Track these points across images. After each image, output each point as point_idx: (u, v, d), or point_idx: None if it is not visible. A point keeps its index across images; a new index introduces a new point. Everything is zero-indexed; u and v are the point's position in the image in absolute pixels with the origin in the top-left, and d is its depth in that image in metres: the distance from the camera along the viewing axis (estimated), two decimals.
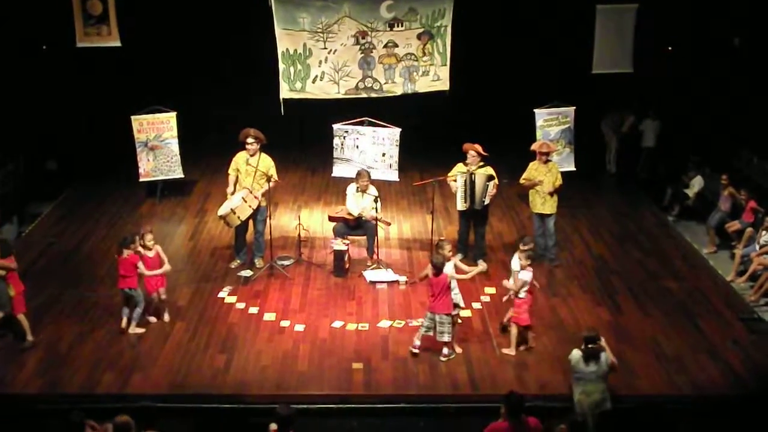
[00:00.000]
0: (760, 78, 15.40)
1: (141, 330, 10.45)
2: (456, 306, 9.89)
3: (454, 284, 9.78)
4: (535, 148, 12.29)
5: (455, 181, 11.92)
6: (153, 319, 10.68)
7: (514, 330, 10.01)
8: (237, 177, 12.02)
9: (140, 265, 10.30)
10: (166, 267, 10.60)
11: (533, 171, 12.17)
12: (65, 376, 9.54)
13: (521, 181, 12.31)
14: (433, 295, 9.68)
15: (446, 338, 9.80)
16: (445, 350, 9.88)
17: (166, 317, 10.72)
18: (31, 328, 10.17)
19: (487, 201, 11.88)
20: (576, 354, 8.62)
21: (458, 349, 10.01)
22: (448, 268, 9.73)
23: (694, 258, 12.89)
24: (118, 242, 10.55)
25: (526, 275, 9.91)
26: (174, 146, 14.70)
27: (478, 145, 11.91)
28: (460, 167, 11.99)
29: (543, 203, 12.11)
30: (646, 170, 16.29)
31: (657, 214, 14.73)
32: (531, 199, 12.26)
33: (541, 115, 13.83)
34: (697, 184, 14.39)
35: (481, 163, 11.91)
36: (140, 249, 10.36)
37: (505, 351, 10.02)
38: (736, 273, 12.11)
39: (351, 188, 12.29)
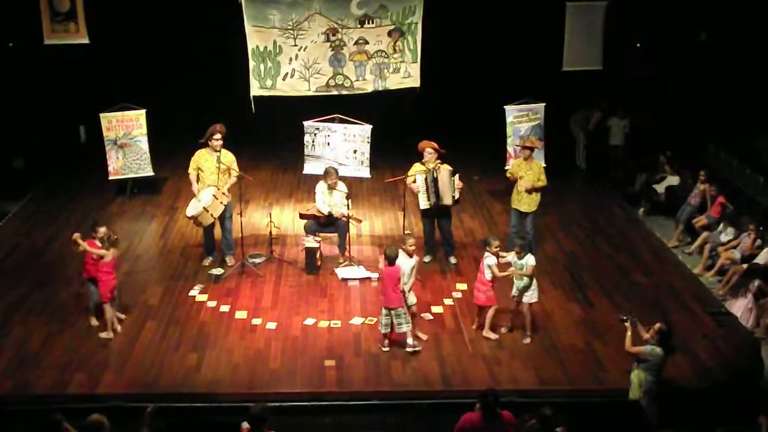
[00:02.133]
0: (728, 73, 15.62)
1: (96, 322, 10.39)
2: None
3: (407, 280, 9.85)
4: (520, 144, 12.46)
5: (415, 182, 11.92)
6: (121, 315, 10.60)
7: (490, 312, 10.15)
8: (198, 176, 11.94)
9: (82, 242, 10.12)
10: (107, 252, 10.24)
11: (516, 167, 12.26)
12: (35, 376, 9.43)
13: (507, 174, 12.47)
14: (385, 290, 9.75)
15: (404, 329, 9.87)
16: (409, 340, 9.93)
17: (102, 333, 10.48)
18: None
19: (457, 195, 11.91)
20: (660, 352, 8.71)
21: (424, 336, 10.08)
22: (406, 263, 9.81)
23: (664, 253, 13.03)
24: (89, 228, 10.40)
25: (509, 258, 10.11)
26: (144, 144, 14.59)
27: (433, 142, 11.93)
28: (417, 167, 11.95)
29: (521, 200, 12.11)
30: (617, 168, 16.38)
31: (627, 209, 14.86)
32: (513, 194, 12.28)
33: (512, 111, 13.90)
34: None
35: (438, 161, 11.93)
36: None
37: (486, 335, 10.21)
38: (704, 267, 12.26)
39: (320, 186, 12.26)
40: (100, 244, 10.06)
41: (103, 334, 10.23)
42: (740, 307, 10.88)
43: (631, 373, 8.85)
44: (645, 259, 12.76)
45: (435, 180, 11.76)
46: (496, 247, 10.08)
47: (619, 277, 12.08)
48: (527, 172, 12.09)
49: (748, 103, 15.31)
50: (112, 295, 10.18)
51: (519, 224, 12.27)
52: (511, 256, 10.13)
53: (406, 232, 10.27)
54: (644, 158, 15.56)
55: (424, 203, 11.90)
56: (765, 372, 8.83)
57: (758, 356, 8.70)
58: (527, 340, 10.19)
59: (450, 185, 11.77)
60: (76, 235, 10.10)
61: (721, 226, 12.52)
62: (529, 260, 10.01)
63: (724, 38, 15.95)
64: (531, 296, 10.13)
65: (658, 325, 8.82)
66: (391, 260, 9.74)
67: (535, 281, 10.12)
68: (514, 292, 10.19)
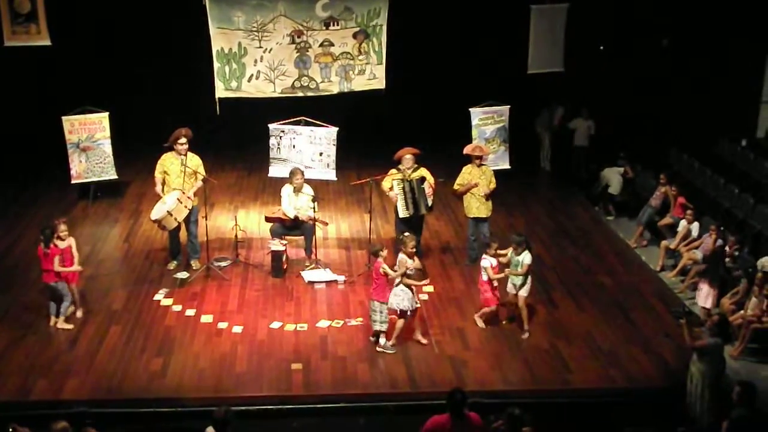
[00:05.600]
0: (689, 76, 15.85)
1: (69, 326, 10.36)
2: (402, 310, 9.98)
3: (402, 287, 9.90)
4: (468, 152, 12.25)
5: (392, 189, 11.93)
6: (79, 313, 10.59)
7: (485, 310, 10.51)
8: (164, 179, 11.86)
9: (56, 260, 10.20)
10: (77, 267, 10.54)
11: (467, 175, 12.14)
12: None
13: (455, 187, 12.20)
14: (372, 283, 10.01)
15: (377, 326, 9.94)
16: (381, 340, 10.00)
17: (79, 313, 10.63)
18: None
19: (430, 202, 11.95)
20: (721, 342, 8.84)
21: (423, 340, 10.18)
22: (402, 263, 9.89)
23: (627, 253, 13.18)
24: (41, 236, 10.33)
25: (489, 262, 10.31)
26: (107, 147, 14.45)
27: (410, 148, 11.95)
28: (394, 174, 11.98)
29: (478, 207, 12.10)
30: (581, 169, 16.53)
31: (590, 210, 15.01)
32: (466, 203, 12.21)
33: (477, 113, 13.93)
34: (611, 179, 14.65)
35: (416, 165, 11.96)
36: (54, 240, 10.27)
37: (475, 317, 10.62)
38: (663, 266, 12.41)
39: (286, 189, 12.22)
40: (60, 242, 10.26)
41: (80, 314, 10.54)
42: (706, 293, 10.94)
43: (692, 367, 8.82)
44: (608, 259, 12.89)
45: (412, 189, 11.79)
46: (495, 249, 10.35)
47: (583, 278, 12.20)
48: (481, 177, 12.08)
49: (710, 105, 15.56)
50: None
51: (475, 232, 12.29)
52: (510, 253, 10.40)
53: (405, 234, 10.21)
54: (607, 159, 15.69)
55: (402, 212, 11.90)
56: (726, 371, 8.98)
57: (721, 356, 8.84)
58: (525, 335, 10.38)
59: (421, 194, 11.79)
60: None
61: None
62: (525, 258, 10.22)
63: (686, 41, 16.19)
64: (526, 290, 10.32)
65: (715, 316, 9.10)
66: (373, 254, 10.08)
67: (530, 277, 10.34)
68: (509, 287, 10.42)
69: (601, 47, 17.26)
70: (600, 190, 14.89)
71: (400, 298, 9.89)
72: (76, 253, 10.60)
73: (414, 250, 10.08)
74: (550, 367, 9.83)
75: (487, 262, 10.31)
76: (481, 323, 10.58)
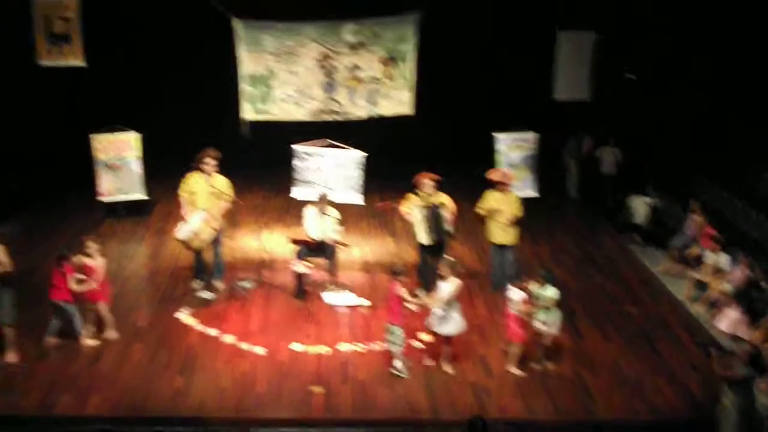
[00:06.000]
0: (721, 105, 15.70)
1: (94, 342, 10.42)
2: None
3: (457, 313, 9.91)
4: (493, 177, 12.07)
5: (410, 214, 11.84)
6: (113, 334, 10.62)
7: (513, 349, 10.08)
8: (190, 199, 11.94)
9: (71, 279, 10.24)
10: (91, 284, 10.39)
11: (491, 200, 11.94)
12: (20, 398, 9.34)
13: (478, 210, 12.08)
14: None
15: (393, 349, 9.89)
16: (397, 363, 9.94)
17: (111, 334, 10.60)
18: None
19: (449, 229, 11.86)
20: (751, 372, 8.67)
21: (450, 369, 10.04)
22: (445, 288, 9.83)
23: (654, 283, 13.04)
24: (58, 255, 10.44)
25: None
26: (135, 166, 14.60)
27: (430, 173, 11.85)
28: (414, 200, 11.88)
29: (502, 234, 11.94)
30: (608, 198, 16.42)
31: (617, 239, 14.89)
32: (489, 229, 12.06)
33: (503, 140, 13.92)
34: (636, 206, 14.55)
35: (436, 192, 11.87)
36: (81, 258, 10.33)
37: (507, 369, 10.14)
38: (690, 296, 12.26)
39: (310, 211, 12.21)
40: (86, 261, 10.32)
41: (114, 336, 10.57)
42: (731, 320, 10.79)
43: (724, 400, 8.63)
44: (635, 288, 12.77)
45: (435, 216, 11.68)
46: (524, 282, 10.02)
47: (609, 307, 12.09)
48: (505, 204, 11.89)
49: (744, 136, 15.41)
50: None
51: (499, 258, 12.14)
52: (536, 287, 10.02)
53: (452, 260, 10.17)
54: (634, 188, 15.60)
55: (424, 238, 11.78)
56: (756, 405, 8.81)
57: (750, 389, 8.69)
58: (550, 367, 10.12)
59: (442, 220, 11.71)
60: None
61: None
62: (549, 291, 9.91)
63: (716, 68, 16.08)
64: (553, 327, 10.04)
65: (747, 346, 8.84)
66: (393, 274, 9.89)
67: (558, 312, 10.02)
68: (537, 324, 10.07)
69: (630, 76, 17.19)
70: (626, 218, 14.78)
71: (456, 323, 9.89)
72: (99, 271, 10.56)
73: (446, 274, 9.95)
74: (574, 397, 9.72)
75: (516, 294, 9.97)
76: (517, 371, 10.13)
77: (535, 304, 9.99)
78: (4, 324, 9.96)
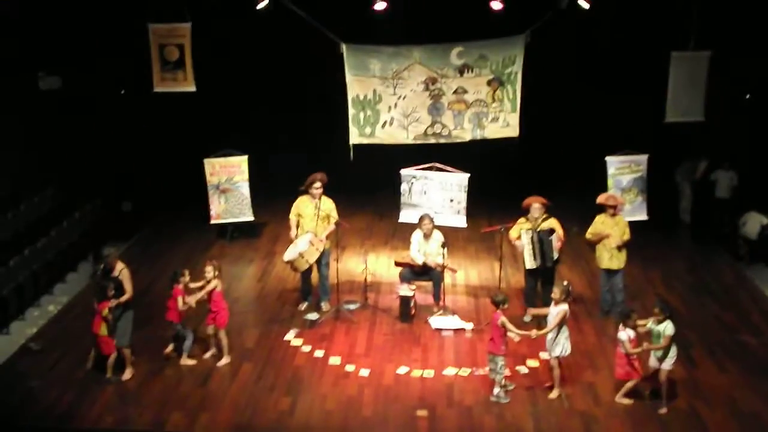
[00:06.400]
0: None
1: (192, 362, 10.69)
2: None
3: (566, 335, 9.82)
4: (601, 201, 11.88)
5: (519, 239, 11.74)
6: (207, 355, 10.84)
7: (628, 384, 9.81)
8: (298, 221, 12.11)
9: (179, 299, 10.51)
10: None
11: (600, 225, 11.79)
12: (134, 413, 9.66)
13: (587, 236, 11.90)
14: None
15: (492, 376, 9.83)
16: (496, 390, 9.86)
17: (224, 360, 10.77)
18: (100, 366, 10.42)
19: (555, 255, 11.66)
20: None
21: (555, 393, 9.92)
22: (554, 311, 9.75)
23: None
24: (171, 280, 10.75)
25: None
26: (245, 189, 14.94)
27: (539, 197, 11.75)
28: (522, 223, 11.79)
29: (610, 258, 11.71)
30: (723, 223, 15.79)
31: (733, 266, 14.33)
32: (598, 254, 11.87)
33: (613, 163, 13.62)
34: (750, 221, 14.04)
35: (546, 215, 11.73)
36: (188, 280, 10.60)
37: (618, 400, 9.89)
38: None
39: (416, 235, 12.23)
40: (183, 289, 10.55)
41: (221, 362, 10.71)
42: None
43: None
44: (753, 318, 12.23)
45: (541, 240, 11.53)
46: (635, 320, 9.69)
47: (725, 336, 11.60)
48: (613, 228, 11.69)
49: None
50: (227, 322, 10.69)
51: (608, 283, 11.89)
52: (650, 323, 9.68)
53: (565, 283, 10.13)
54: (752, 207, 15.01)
55: (529, 263, 11.67)
56: None
57: None
58: (663, 410, 9.66)
59: (548, 246, 11.55)
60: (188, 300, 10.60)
61: None
62: (667, 329, 9.53)
63: None
64: (669, 363, 9.66)
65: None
66: (494, 303, 9.80)
67: (674, 348, 9.64)
68: (652, 360, 9.76)
69: (747, 96, 16.58)
70: (734, 231, 14.28)
71: (562, 346, 9.78)
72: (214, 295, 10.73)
73: (558, 299, 9.80)
74: (687, 429, 9.35)
75: (625, 335, 9.62)
76: (625, 400, 9.83)
77: (648, 341, 9.66)
78: (123, 346, 10.31)
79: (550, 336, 9.80)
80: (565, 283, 10.07)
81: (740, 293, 13.17)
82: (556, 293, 9.80)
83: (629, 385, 9.81)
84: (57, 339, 11.45)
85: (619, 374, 9.82)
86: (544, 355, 10.37)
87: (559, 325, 9.74)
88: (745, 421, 9.51)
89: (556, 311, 9.74)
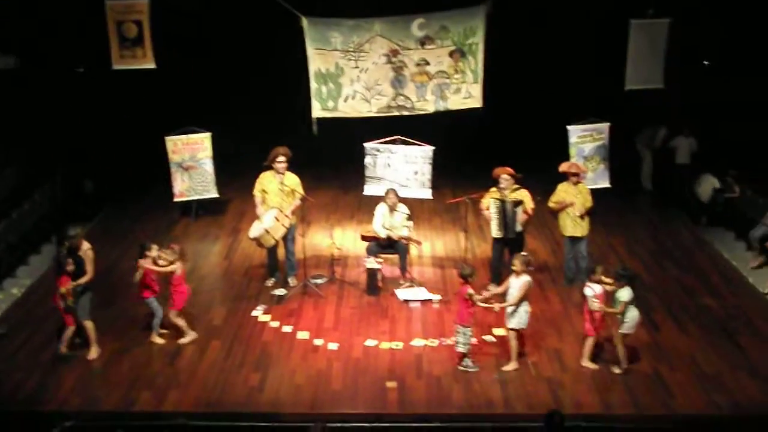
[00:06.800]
0: None
1: (161, 340, 10.67)
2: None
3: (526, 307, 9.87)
4: (564, 170, 12.02)
5: (488, 208, 11.82)
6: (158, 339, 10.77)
7: (588, 342, 9.98)
8: (263, 197, 12.08)
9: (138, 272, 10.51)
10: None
11: (563, 193, 11.91)
12: (102, 394, 9.62)
13: (550, 204, 12.01)
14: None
15: (459, 348, 9.90)
16: (464, 360, 9.95)
17: (186, 338, 10.71)
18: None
19: (519, 228, 11.76)
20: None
21: (511, 366, 9.99)
22: (515, 284, 9.80)
23: (732, 274, 12.72)
24: (138, 253, 10.66)
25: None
26: (208, 166, 14.83)
27: (508, 168, 11.82)
28: (493, 193, 11.88)
29: (574, 226, 11.86)
30: (683, 188, 15.99)
31: (693, 230, 14.57)
32: (561, 222, 12.00)
33: (575, 131, 13.73)
34: (704, 184, 14.58)
35: (516, 186, 11.81)
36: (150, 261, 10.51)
37: (583, 364, 10.03)
38: None
39: (380, 208, 12.27)
40: (152, 263, 10.42)
41: (184, 339, 10.62)
42: None
43: None
44: (713, 280, 12.47)
45: (506, 210, 11.63)
46: (600, 274, 9.84)
47: (686, 300, 11.82)
48: (576, 196, 11.83)
49: None
50: (184, 304, 10.59)
51: (572, 251, 12.04)
52: (609, 287, 9.83)
53: (525, 254, 10.15)
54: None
55: (495, 231, 11.77)
56: None
57: None
58: (617, 370, 9.85)
59: (512, 217, 11.65)
60: (144, 264, 10.46)
61: None
62: (621, 295, 9.66)
63: None
64: (625, 327, 9.78)
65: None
66: (462, 277, 9.84)
67: (633, 313, 9.74)
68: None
69: (706, 62, 16.75)
70: (693, 195, 14.69)
71: (520, 318, 9.84)
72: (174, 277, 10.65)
73: (519, 270, 9.85)
74: (652, 392, 9.54)
75: (590, 290, 9.80)
76: (591, 365, 9.99)
77: (600, 306, 9.77)
78: (84, 319, 10.29)
79: (509, 309, 9.87)
80: (524, 254, 10.18)
81: (700, 256, 13.41)
82: (516, 265, 9.86)
83: (589, 343, 9.96)
84: (21, 322, 11.35)
85: (586, 330, 9.98)
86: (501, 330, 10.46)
87: (522, 298, 9.82)
88: (706, 381, 9.72)
89: (518, 283, 9.80)
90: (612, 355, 10.00)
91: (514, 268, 9.90)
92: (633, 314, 9.76)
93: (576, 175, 11.93)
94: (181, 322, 10.64)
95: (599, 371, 9.92)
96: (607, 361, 10.04)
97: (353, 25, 12.63)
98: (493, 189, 11.92)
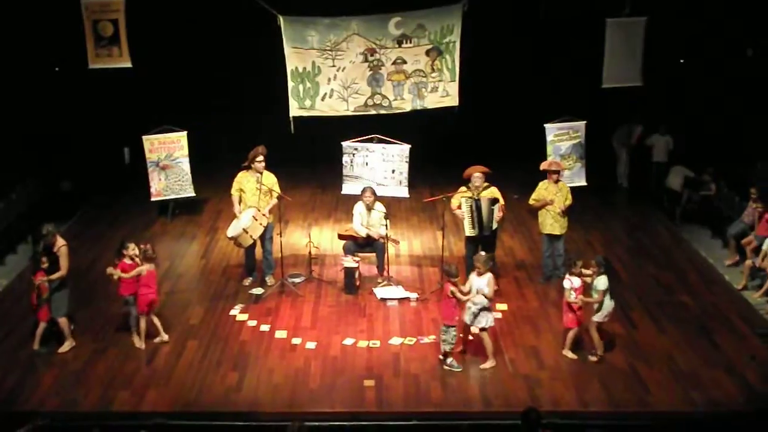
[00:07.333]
0: None
1: (138, 343, 10.54)
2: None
3: (478, 300, 9.84)
4: (545, 168, 12.12)
5: (459, 208, 11.86)
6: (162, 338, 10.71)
7: (570, 333, 10.09)
8: (240, 197, 12.04)
9: (108, 269, 10.38)
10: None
11: (543, 191, 11.99)
12: (80, 394, 9.54)
13: (531, 202, 12.09)
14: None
15: (445, 347, 9.90)
16: (448, 359, 9.96)
17: (159, 338, 10.64)
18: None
19: (495, 225, 11.80)
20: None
21: (489, 364, 10.01)
22: (478, 282, 9.82)
23: (709, 272, 12.81)
24: (117, 251, 10.56)
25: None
26: (185, 165, 14.76)
27: (481, 166, 11.85)
28: (463, 192, 11.88)
29: (553, 224, 11.94)
30: (660, 186, 16.10)
31: (670, 228, 14.67)
32: (540, 219, 12.07)
33: (552, 129, 13.79)
34: (674, 174, 14.95)
35: (486, 184, 11.85)
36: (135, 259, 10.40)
37: (564, 353, 10.17)
38: (746, 285, 12.02)
39: (358, 207, 12.26)
40: (130, 261, 10.30)
41: (157, 340, 10.54)
42: None
43: None
44: (690, 278, 12.55)
45: (479, 208, 11.66)
46: (579, 267, 10.01)
47: (663, 297, 11.90)
48: (556, 194, 11.91)
49: None
50: (149, 309, 10.43)
51: (550, 248, 12.11)
52: (588, 278, 10.02)
53: (485, 254, 10.22)
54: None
55: (468, 230, 11.80)
56: None
57: None
58: (593, 358, 10.03)
59: (488, 214, 11.67)
60: (109, 270, 10.35)
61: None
62: (598, 284, 9.83)
63: None
64: (599, 316, 9.94)
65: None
66: (446, 274, 9.89)
67: (608, 302, 9.88)
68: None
69: (682, 60, 16.87)
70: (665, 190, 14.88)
71: (486, 318, 9.88)
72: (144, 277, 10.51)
73: (482, 270, 9.89)
74: (628, 389, 9.59)
75: (568, 283, 9.96)
76: (570, 354, 10.14)
77: (579, 297, 9.94)
78: (59, 317, 10.24)
79: (473, 309, 9.88)
80: (483, 253, 10.28)
81: (677, 254, 13.50)
82: (479, 265, 9.88)
83: (571, 335, 10.09)
84: None
85: (565, 322, 10.11)
86: (474, 329, 10.44)
87: (488, 297, 9.86)
88: (683, 378, 9.78)
89: (485, 281, 9.83)
90: (588, 344, 10.12)
91: (476, 267, 9.93)
92: (608, 303, 9.91)
93: (556, 173, 12.00)
94: (142, 326, 10.45)
95: (577, 367, 9.96)
96: (584, 350, 10.17)
97: (330, 24, 12.62)
98: (463, 188, 11.93)
